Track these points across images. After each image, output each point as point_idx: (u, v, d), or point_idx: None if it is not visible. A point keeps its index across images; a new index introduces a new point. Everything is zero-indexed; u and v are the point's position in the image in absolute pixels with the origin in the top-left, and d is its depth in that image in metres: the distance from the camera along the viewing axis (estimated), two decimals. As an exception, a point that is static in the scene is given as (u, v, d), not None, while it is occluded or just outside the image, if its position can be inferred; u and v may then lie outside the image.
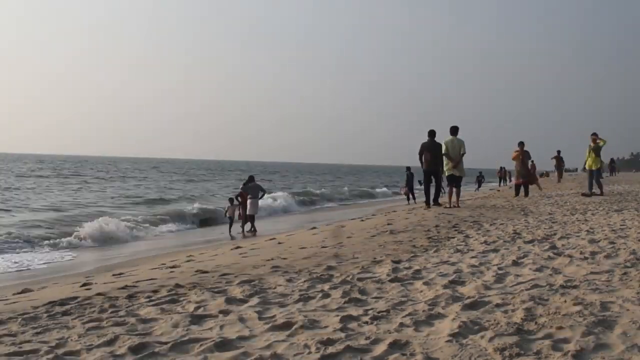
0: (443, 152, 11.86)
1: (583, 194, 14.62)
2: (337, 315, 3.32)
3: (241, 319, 3.31)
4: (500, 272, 4.54)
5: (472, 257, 5.34)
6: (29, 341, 3.00)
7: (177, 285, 4.41)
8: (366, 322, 3.17)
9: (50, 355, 2.72)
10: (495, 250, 5.75)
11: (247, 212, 13.90)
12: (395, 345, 2.76)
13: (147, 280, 4.94)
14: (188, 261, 6.67)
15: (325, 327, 3.12)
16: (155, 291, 4.23)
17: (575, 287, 3.90)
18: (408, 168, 19.95)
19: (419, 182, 16.66)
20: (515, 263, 4.95)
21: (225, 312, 3.49)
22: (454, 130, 12.03)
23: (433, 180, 12.22)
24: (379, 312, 3.36)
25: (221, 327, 3.18)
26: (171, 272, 5.54)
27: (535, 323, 3.04)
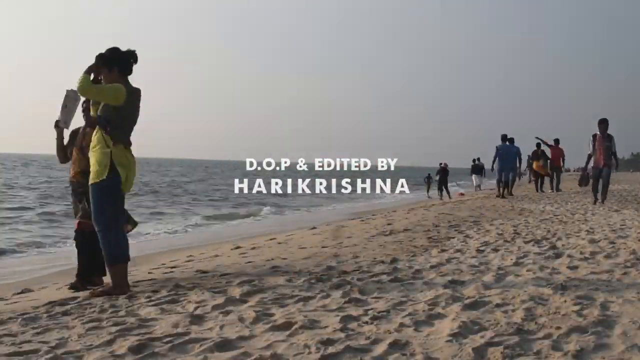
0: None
1: None
2: (337, 315, 3.32)
3: (241, 319, 3.31)
4: (500, 272, 4.55)
5: (472, 257, 5.35)
6: (29, 341, 3.00)
7: (177, 285, 4.41)
8: (366, 322, 3.17)
9: (50, 355, 2.72)
10: (495, 250, 5.75)
11: None
12: (395, 345, 2.76)
13: (147, 280, 4.94)
14: (188, 261, 6.67)
15: (325, 327, 3.11)
16: (155, 291, 4.22)
17: (575, 287, 3.90)
18: (443, 164, 21.24)
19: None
20: (515, 263, 4.96)
21: (225, 312, 3.49)
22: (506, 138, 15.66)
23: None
24: (379, 312, 3.36)
25: (221, 327, 3.18)
26: (171, 272, 5.54)
27: (535, 323, 3.04)
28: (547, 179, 18.44)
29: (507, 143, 15.69)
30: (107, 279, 4.67)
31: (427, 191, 25.44)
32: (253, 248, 7.47)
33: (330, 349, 2.70)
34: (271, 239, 8.65)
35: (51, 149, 5.03)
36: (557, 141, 17.58)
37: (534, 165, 17.96)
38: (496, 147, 15.69)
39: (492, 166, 16.12)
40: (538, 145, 17.91)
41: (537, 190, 17.75)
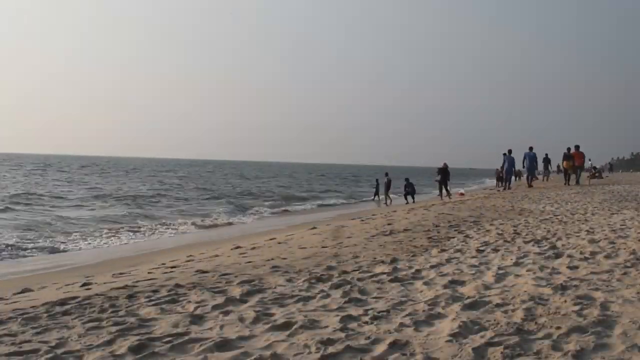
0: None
1: None
2: (337, 315, 3.32)
3: (241, 319, 3.31)
4: (500, 272, 4.55)
5: (472, 257, 5.35)
6: (29, 341, 3.00)
7: (177, 285, 4.41)
8: (366, 322, 3.18)
9: (50, 355, 2.72)
10: (495, 250, 5.75)
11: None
12: (395, 345, 2.76)
13: (147, 280, 4.94)
14: (188, 261, 6.66)
15: (325, 327, 3.12)
16: (155, 291, 4.22)
17: (575, 287, 3.90)
18: (443, 164, 22.23)
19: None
20: (515, 263, 4.96)
21: (225, 312, 3.50)
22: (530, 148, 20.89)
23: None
24: (379, 312, 3.36)
25: (221, 327, 3.19)
26: (171, 272, 5.54)
27: (535, 323, 3.04)
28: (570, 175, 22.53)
29: (523, 152, 20.90)
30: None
31: (375, 195, 25.92)
32: (253, 248, 7.47)
33: (330, 349, 2.70)
34: (271, 239, 8.64)
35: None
36: (577, 147, 21.87)
37: (564, 164, 21.99)
38: (524, 153, 20.93)
39: (523, 166, 21.51)
40: (568, 149, 22.00)
41: (565, 183, 21.71)
